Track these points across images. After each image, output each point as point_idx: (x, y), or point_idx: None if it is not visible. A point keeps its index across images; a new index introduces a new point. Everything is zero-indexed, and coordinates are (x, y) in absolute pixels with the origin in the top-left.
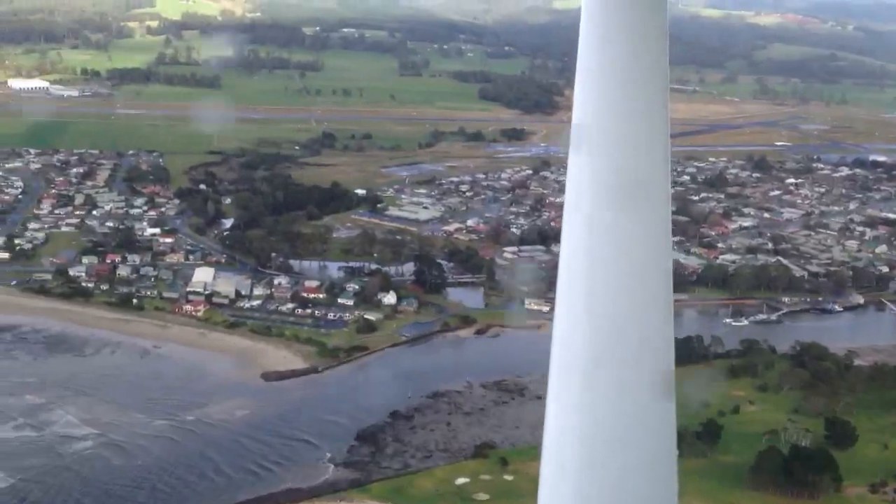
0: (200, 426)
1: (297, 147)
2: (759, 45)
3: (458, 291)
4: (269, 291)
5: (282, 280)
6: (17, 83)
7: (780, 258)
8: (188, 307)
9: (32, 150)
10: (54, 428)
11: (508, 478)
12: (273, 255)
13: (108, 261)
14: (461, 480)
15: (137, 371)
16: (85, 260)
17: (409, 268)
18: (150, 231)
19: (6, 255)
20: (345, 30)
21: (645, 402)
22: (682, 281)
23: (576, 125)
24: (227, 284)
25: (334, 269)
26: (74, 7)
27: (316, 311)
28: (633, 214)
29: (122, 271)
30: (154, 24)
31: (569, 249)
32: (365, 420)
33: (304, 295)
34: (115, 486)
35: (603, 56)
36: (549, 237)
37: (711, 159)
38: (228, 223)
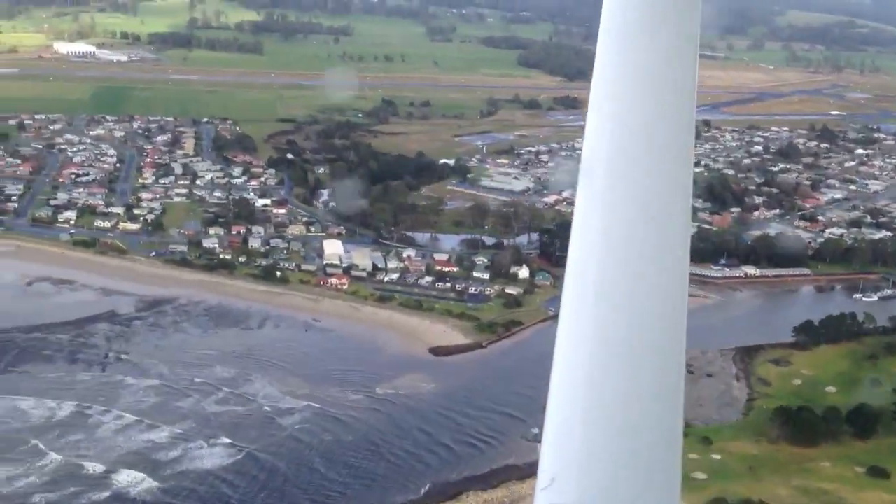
0: (398, 399)
1: (359, 114)
2: (777, 12)
3: None
4: (402, 264)
5: (410, 253)
6: (62, 46)
7: (885, 231)
8: (333, 280)
9: (109, 118)
10: (259, 400)
11: (716, 457)
12: (392, 227)
13: (234, 232)
14: None
15: (308, 344)
16: (212, 231)
17: (523, 240)
18: (260, 202)
19: (135, 227)
20: None
21: (653, 405)
22: (801, 256)
23: (590, 130)
24: (362, 258)
25: (450, 241)
26: None
27: (456, 285)
28: (650, 222)
29: (253, 243)
30: None
31: (578, 256)
32: (545, 398)
33: (439, 268)
34: (350, 458)
35: (623, 57)
36: None
37: (774, 129)
38: (325, 193)
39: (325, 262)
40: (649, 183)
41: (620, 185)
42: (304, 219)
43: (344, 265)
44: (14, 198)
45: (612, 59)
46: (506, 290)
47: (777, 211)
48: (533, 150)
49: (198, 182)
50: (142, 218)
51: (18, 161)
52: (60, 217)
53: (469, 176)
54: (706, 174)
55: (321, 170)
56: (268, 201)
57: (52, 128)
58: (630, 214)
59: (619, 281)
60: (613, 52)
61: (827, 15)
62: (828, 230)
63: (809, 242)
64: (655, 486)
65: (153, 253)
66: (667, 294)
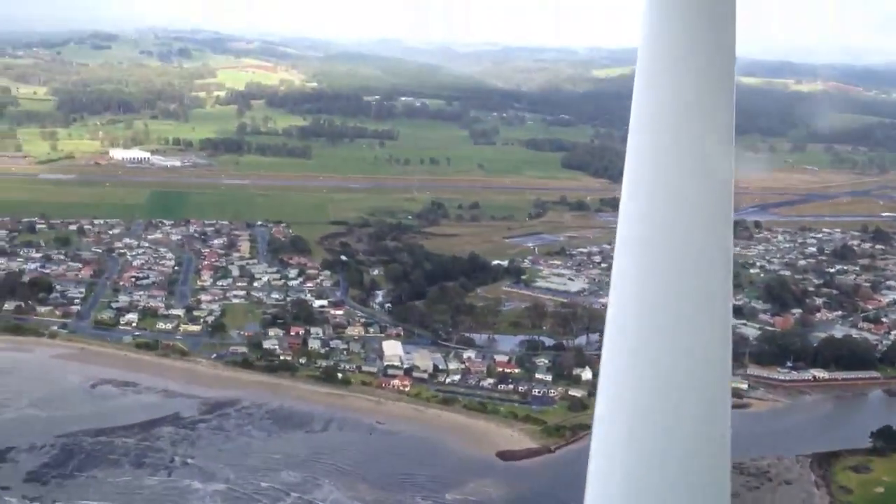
0: None
1: (409, 217)
2: (817, 114)
3: None
4: (462, 366)
5: (470, 354)
6: (117, 153)
7: None
8: (395, 382)
9: (165, 221)
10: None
11: None
12: (450, 328)
13: (293, 333)
14: None
15: (373, 448)
16: (271, 332)
17: (583, 341)
18: (317, 303)
19: (195, 328)
20: (402, 98)
21: (699, 417)
22: (869, 358)
23: (629, 169)
24: (423, 359)
25: (508, 342)
26: (142, 77)
27: (518, 387)
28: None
29: (313, 344)
30: (221, 94)
31: (620, 283)
32: None
33: (500, 370)
34: None
35: (660, 98)
36: None
37: (826, 230)
38: (380, 294)
39: (385, 364)
40: (689, 221)
41: (661, 220)
42: (362, 320)
43: (405, 366)
44: (77, 301)
45: (650, 91)
46: (569, 392)
47: (839, 313)
48: (584, 251)
49: (255, 284)
50: (202, 320)
51: (79, 265)
52: (122, 320)
53: (523, 277)
54: (762, 276)
55: (375, 271)
56: (325, 302)
57: (111, 232)
58: (671, 250)
59: (661, 324)
60: (652, 84)
61: (863, 116)
62: (893, 332)
63: (876, 345)
64: None
65: (214, 355)
66: (710, 328)
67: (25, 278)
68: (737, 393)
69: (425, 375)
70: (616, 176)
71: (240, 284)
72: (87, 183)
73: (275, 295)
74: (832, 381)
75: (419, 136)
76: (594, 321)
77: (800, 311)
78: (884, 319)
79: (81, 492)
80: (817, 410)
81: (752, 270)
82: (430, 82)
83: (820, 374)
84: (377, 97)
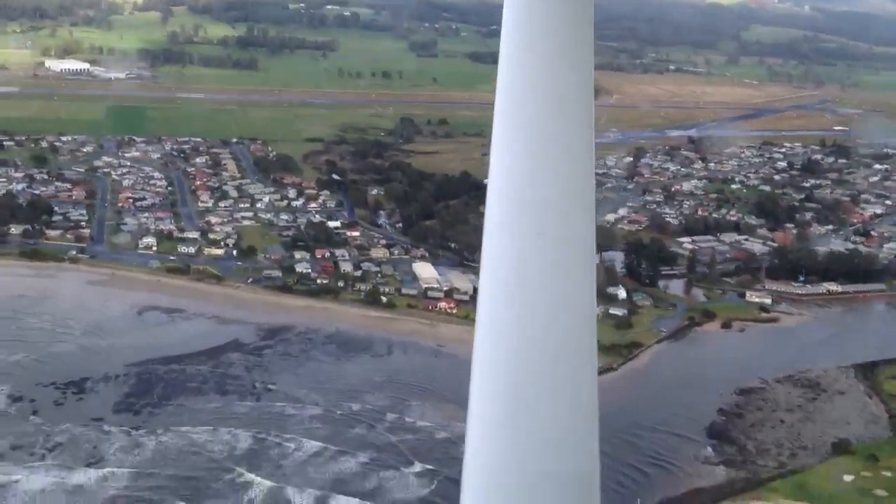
0: None
1: (382, 133)
2: (741, 26)
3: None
4: None
5: None
6: (53, 63)
7: None
8: (442, 304)
9: (136, 138)
10: (428, 426)
11: (887, 473)
12: (470, 248)
13: (319, 256)
14: (847, 478)
15: (442, 369)
16: (298, 255)
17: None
18: (331, 224)
19: (219, 252)
20: (328, 7)
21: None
22: (874, 271)
23: (497, 130)
24: (459, 280)
25: None
26: None
27: None
28: (556, 225)
29: (345, 267)
30: None
31: (490, 267)
32: (699, 419)
33: None
34: None
35: (525, 61)
36: (711, 227)
37: (787, 145)
38: (383, 214)
39: (424, 287)
40: (554, 185)
41: (529, 189)
42: (382, 241)
43: (444, 288)
44: (83, 224)
45: (514, 67)
46: (610, 311)
47: (829, 227)
48: None
49: (258, 205)
50: (222, 243)
51: (68, 186)
52: (141, 243)
53: None
54: (745, 191)
55: (374, 191)
56: (337, 224)
57: (85, 150)
58: (537, 221)
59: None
60: (515, 60)
61: (786, 29)
62: (885, 245)
63: (874, 258)
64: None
65: (250, 279)
66: (577, 292)
67: (20, 200)
68: (764, 307)
69: (466, 297)
70: None
71: (242, 206)
72: (32, 96)
73: (283, 216)
74: (844, 293)
75: (359, 47)
76: (605, 239)
77: (792, 226)
78: (873, 233)
79: (176, 420)
80: (841, 323)
81: (733, 186)
82: None
83: (833, 287)
84: (302, 5)
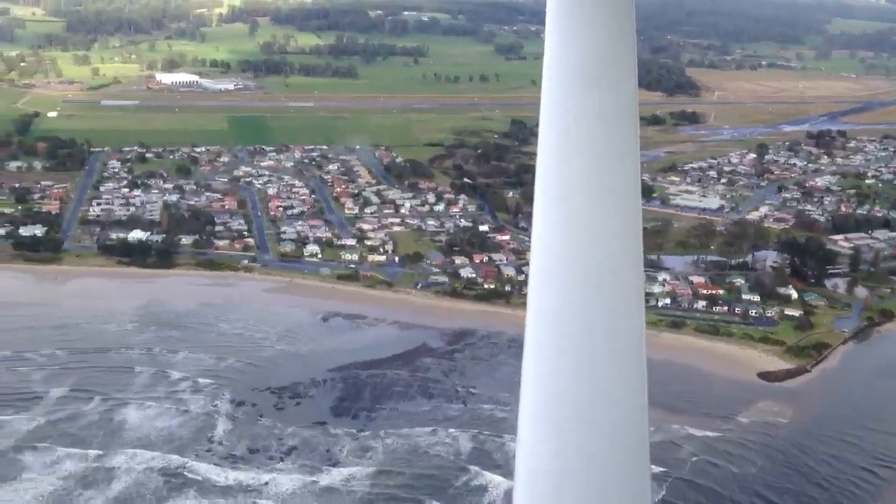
0: (769, 428)
1: (496, 136)
2: (823, 20)
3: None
4: (664, 289)
5: (665, 276)
6: (164, 77)
7: None
8: None
9: (266, 148)
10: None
11: None
12: None
13: (477, 260)
14: None
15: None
16: (458, 261)
17: (756, 258)
18: (480, 228)
19: (381, 258)
20: (405, 13)
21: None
22: None
23: (544, 122)
24: None
25: (674, 262)
26: None
27: (734, 308)
28: (604, 206)
29: (507, 271)
30: (222, 11)
31: (541, 245)
32: None
33: (704, 292)
34: (788, 485)
35: (570, 53)
36: (861, 224)
37: None
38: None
39: None
40: (600, 177)
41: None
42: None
43: None
44: (245, 233)
45: (558, 66)
46: (785, 312)
47: None
48: (695, 166)
49: (401, 211)
50: (381, 249)
51: (218, 195)
52: (305, 251)
53: (653, 195)
54: (880, 186)
55: (510, 193)
56: (485, 228)
57: (222, 160)
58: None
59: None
60: (559, 60)
61: (873, 22)
62: None
63: None
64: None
65: (419, 284)
66: (626, 278)
67: (183, 212)
68: None
69: None
70: (671, 89)
71: (387, 211)
72: (153, 109)
73: (430, 221)
74: None
75: (446, 52)
76: (758, 238)
77: None
78: None
79: (393, 423)
80: None
81: (867, 181)
82: None
83: None
84: (380, 12)
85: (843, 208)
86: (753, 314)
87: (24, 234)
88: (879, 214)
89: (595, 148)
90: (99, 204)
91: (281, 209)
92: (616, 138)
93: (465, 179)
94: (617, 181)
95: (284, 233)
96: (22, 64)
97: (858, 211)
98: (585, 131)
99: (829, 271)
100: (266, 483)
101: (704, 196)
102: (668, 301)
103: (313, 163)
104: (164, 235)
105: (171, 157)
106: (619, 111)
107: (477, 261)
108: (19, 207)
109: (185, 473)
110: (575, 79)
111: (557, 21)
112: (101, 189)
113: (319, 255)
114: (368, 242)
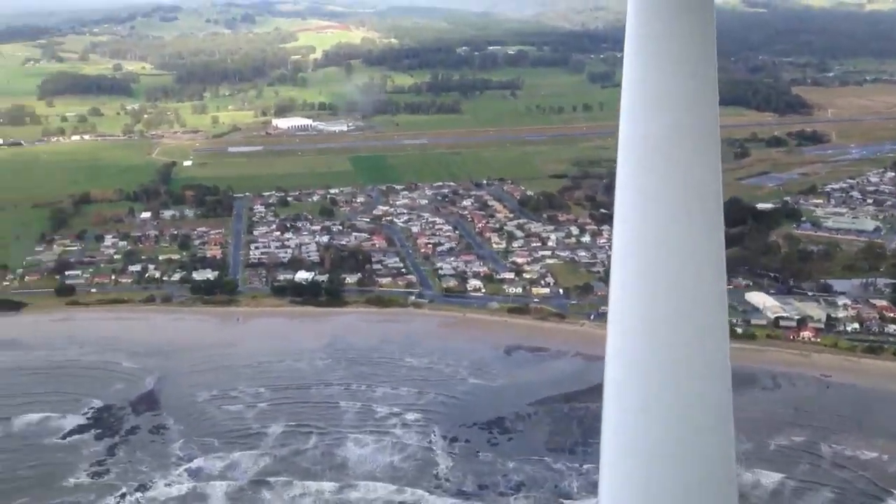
0: None
1: (615, 165)
2: None
3: None
4: (848, 313)
5: (846, 301)
6: (280, 122)
7: None
8: (806, 334)
9: (396, 186)
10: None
11: None
12: (789, 275)
13: None
14: None
15: (842, 401)
16: None
17: None
18: None
19: (545, 291)
20: (490, 48)
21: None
22: None
23: (623, 135)
24: (810, 308)
25: (843, 286)
26: (223, 46)
27: None
28: (684, 221)
29: None
30: (316, 56)
31: (621, 257)
32: None
33: (890, 315)
34: None
35: (649, 68)
36: None
37: None
38: None
39: (773, 316)
40: (681, 191)
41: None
42: None
43: (795, 317)
44: (403, 270)
45: (639, 78)
46: None
47: None
48: (836, 187)
49: (549, 244)
50: (542, 282)
51: (366, 235)
52: (468, 286)
53: (802, 219)
54: None
55: None
56: None
57: (359, 200)
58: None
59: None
60: (640, 73)
61: None
62: None
63: None
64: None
65: (591, 315)
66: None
67: (341, 252)
68: None
69: (820, 325)
70: (782, 109)
71: (534, 244)
72: (277, 153)
73: (581, 252)
74: None
75: (541, 83)
76: None
77: None
78: None
79: None
80: None
81: None
82: (502, 31)
83: None
84: (466, 48)
85: None
86: None
87: (197, 278)
88: None
89: (674, 167)
90: (256, 247)
91: (430, 245)
92: (697, 157)
93: (601, 210)
94: (697, 198)
95: (441, 269)
96: (145, 116)
97: None
98: (665, 150)
99: None
100: None
101: (856, 218)
102: (856, 325)
103: (446, 199)
104: (328, 275)
105: (310, 199)
106: (698, 130)
107: None
108: (183, 254)
109: None
110: (652, 99)
111: (636, 42)
112: (255, 233)
113: (483, 290)
114: (527, 276)
